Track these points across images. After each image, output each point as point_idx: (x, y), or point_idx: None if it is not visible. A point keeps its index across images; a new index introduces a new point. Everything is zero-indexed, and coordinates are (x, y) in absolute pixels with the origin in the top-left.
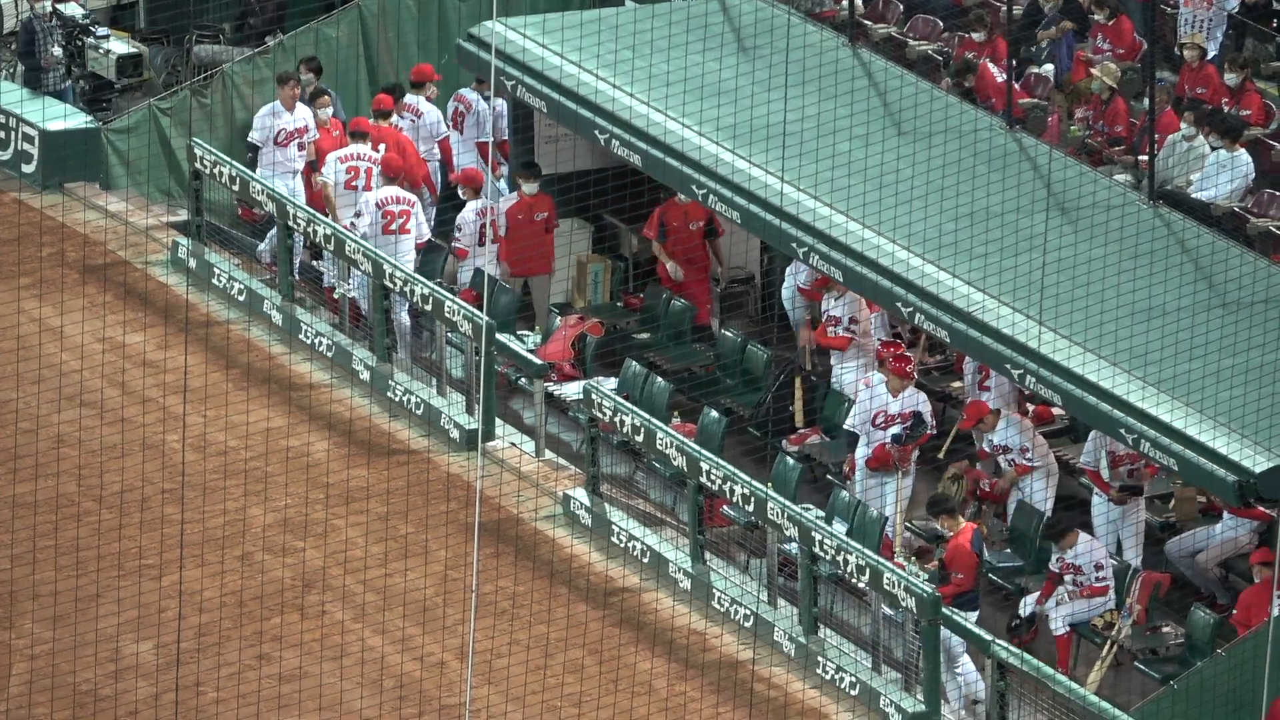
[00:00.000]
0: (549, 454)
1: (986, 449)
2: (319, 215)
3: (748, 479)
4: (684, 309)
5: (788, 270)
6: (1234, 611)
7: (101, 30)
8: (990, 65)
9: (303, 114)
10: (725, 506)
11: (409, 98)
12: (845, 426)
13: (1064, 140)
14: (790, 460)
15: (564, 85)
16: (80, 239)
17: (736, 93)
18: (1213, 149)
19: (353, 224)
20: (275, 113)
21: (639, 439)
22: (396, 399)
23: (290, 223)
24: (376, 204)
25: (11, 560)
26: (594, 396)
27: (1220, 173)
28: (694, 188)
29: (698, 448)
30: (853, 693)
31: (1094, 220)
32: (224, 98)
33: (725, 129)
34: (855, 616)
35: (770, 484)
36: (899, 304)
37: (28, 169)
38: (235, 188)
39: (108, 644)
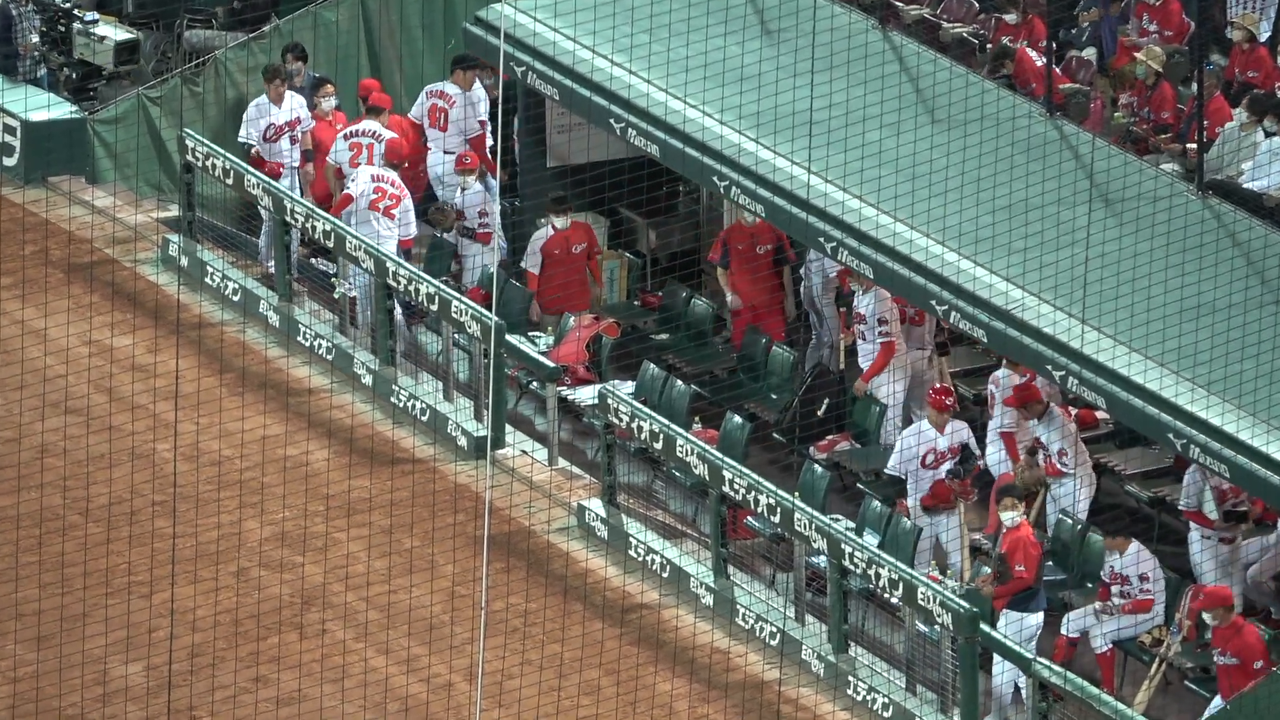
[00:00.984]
0: (562, 462)
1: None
2: (317, 210)
3: (773, 488)
4: (705, 309)
5: (809, 263)
6: None
7: (90, 15)
8: (1029, 49)
9: (291, 106)
10: (749, 517)
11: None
12: (888, 472)
13: (1107, 128)
14: (818, 468)
15: (577, 71)
16: (65, 236)
17: (760, 79)
18: (1267, 135)
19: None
20: (262, 109)
21: (658, 446)
22: (401, 404)
23: (288, 218)
24: (372, 177)
25: None
26: (610, 401)
27: (1274, 161)
28: (716, 180)
29: (720, 455)
30: (886, 714)
31: (1139, 212)
32: (217, 86)
33: (748, 117)
34: (888, 634)
35: (797, 493)
36: (933, 301)
37: (9, 162)
38: (229, 181)
39: (95, 666)
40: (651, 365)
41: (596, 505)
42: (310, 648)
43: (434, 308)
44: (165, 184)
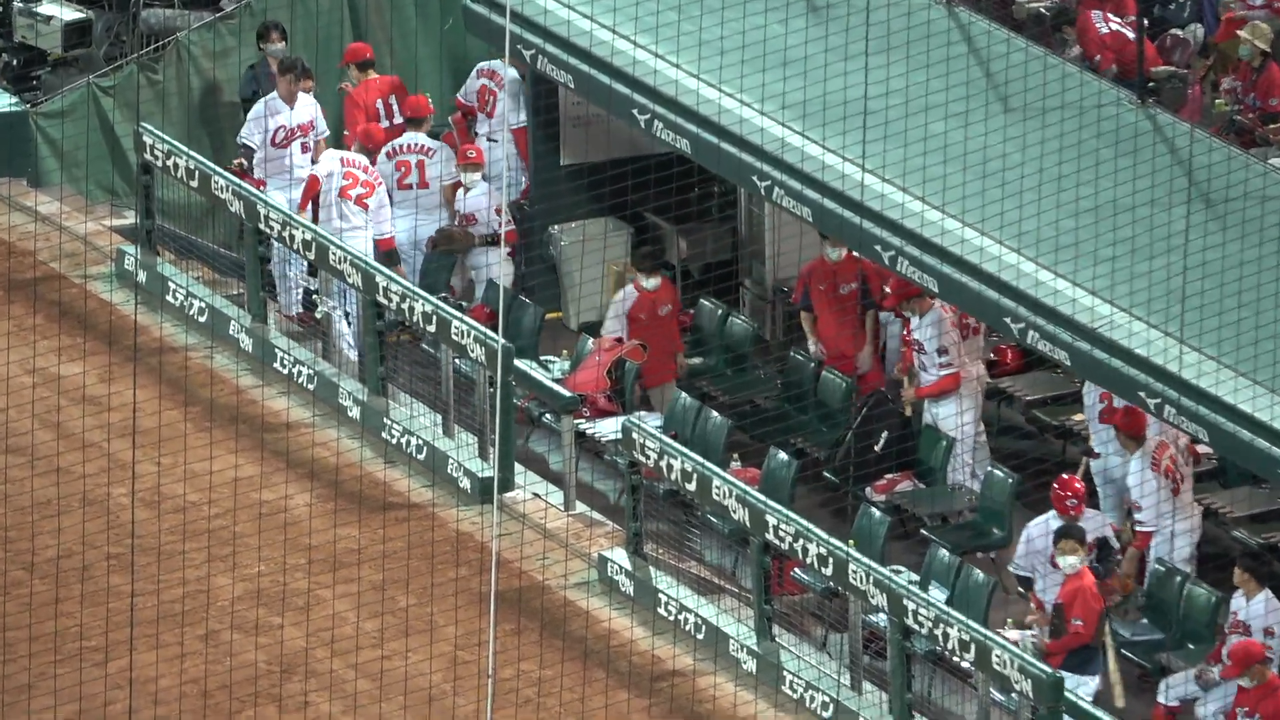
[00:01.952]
0: (580, 507)
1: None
2: (298, 219)
3: (824, 535)
4: (744, 328)
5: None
6: None
7: None
8: (1094, 16)
9: (306, 107)
10: (797, 569)
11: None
12: (1012, 570)
13: (1207, 116)
14: (876, 512)
15: (595, 55)
16: (4, 248)
17: (807, 62)
18: None
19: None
20: (272, 107)
21: (690, 487)
22: (393, 441)
23: (262, 225)
24: (341, 160)
25: None
26: (635, 436)
27: None
28: (756, 179)
29: (763, 498)
30: None
31: (1245, 214)
32: (179, 73)
33: (793, 107)
34: (958, 703)
35: (852, 541)
36: (1008, 319)
37: None
38: (194, 184)
39: None
40: (683, 394)
41: (620, 556)
42: None
43: (431, 328)
44: (120, 187)
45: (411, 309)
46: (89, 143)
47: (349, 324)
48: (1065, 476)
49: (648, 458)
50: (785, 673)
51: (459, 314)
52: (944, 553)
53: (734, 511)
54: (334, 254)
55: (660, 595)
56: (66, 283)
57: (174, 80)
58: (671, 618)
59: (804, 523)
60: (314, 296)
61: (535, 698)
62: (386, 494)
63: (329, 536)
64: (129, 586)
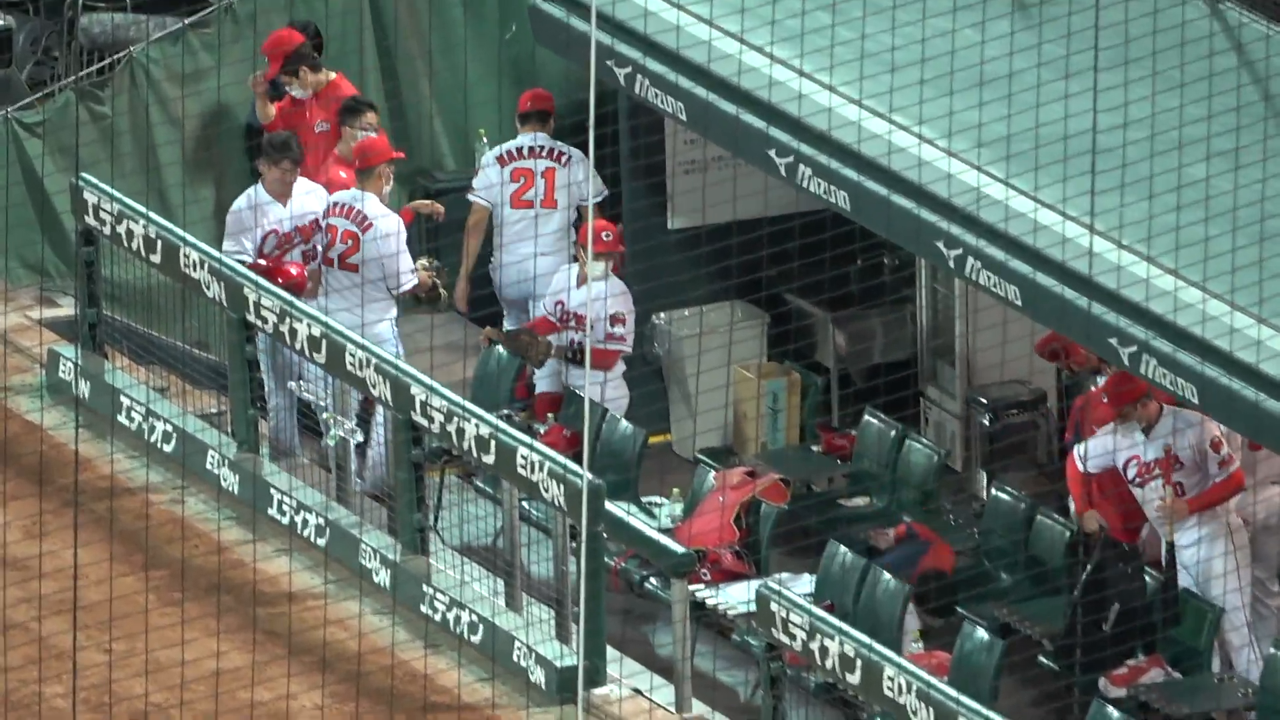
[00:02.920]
0: (699, 707)
1: None
2: (296, 303)
3: None
4: (926, 456)
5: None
6: None
7: None
8: None
9: (304, 200)
10: None
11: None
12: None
13: None
14: (1114, 712)
15: (716, 73)
16: None
17: (1012, 81)
18: None
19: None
20: (256, 205)
21: (853, 679)
22: (437, 617)
23: (252, 316)
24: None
25: None
26: (774, 607)
27: None
28: (943, 246)
29: (954, 693)
30: None
31: None
32: (134, 102)
33: (993, 145)
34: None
35: None
36: (1113, 340)
37: None
38: (156, 256)
39: None
40: (842, 548)
41: None
42: None
43: (489, 458)
44: (52, 264)
45: (461, 431)
46: (7, 202)
47: (373, 453)
48: None
49: (794, 639)
50: None
51: (528, 439)
52: None
53: (914, 712)
54: (351, 355)
55: None
56: None
57: (126, 113)
58: None
59: None
60: (325, 416)
61: None
62: (428, 691)
63: None
64: None
